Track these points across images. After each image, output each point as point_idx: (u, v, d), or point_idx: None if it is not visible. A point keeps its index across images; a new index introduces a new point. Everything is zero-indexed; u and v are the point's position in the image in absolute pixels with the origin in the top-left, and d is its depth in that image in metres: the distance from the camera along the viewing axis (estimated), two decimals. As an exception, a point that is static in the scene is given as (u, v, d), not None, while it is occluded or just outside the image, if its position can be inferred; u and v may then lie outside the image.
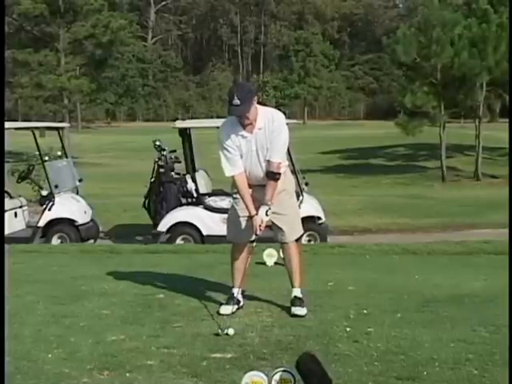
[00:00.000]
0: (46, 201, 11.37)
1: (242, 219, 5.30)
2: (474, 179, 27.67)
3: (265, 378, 3.58)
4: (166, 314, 5.24)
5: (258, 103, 5.20)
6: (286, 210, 5.32)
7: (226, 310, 5.21)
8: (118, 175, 28.16)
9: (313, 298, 5.43)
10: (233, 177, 5.20)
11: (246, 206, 5.16)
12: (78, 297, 5.83)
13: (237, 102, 4.96)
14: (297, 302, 5.22)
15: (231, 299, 5.28)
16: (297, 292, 5.30)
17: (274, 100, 72.96)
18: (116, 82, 68.15)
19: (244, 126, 5.10)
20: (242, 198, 5.20)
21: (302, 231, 5.52)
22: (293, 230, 5.38)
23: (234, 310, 5.22)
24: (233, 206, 5.42)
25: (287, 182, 5.37)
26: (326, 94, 75.32)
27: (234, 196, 5.36)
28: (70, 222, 11.49)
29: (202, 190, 11.41)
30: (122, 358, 4.21)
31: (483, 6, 26.18)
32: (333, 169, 31.71)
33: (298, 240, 5.57)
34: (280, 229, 5.30)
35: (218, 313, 5.18)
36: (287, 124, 5.30)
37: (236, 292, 5.32)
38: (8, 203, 11.37)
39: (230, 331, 4.64)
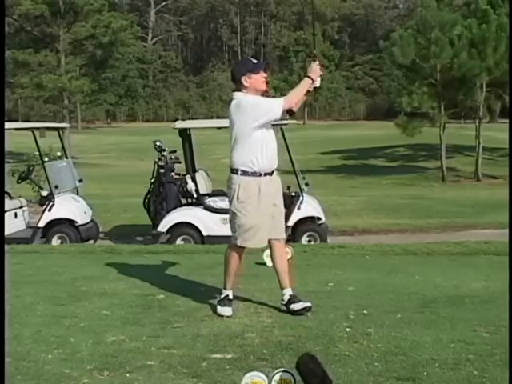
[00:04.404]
0: (46, 201, 11.36)
1: (265, 211, 5.16)
2: (474, 180, 27.68)
3: (265, 378, 3.58)
4: (166, 314, 5.24)
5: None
6: (282, 206, 5.46)
7: (228, 311, 5.19)
8: (118, 176, 28.16)
9: (313, 299, 5.43)
10: (285, 101, 5.08)
11: (303, 87, 5.16)
12: (78, 297, 5.83)
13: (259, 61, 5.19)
14: (294, 298, 5.23)
15: (228, 301, 5.27)
16: (290, 291, 5.30)
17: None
18: (116, 83, 68.36)
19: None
20: (299, 91, 5.16)
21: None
22: (283, 226, 5.47)
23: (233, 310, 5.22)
24: (245, 210, 5.12)
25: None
26: (326, 94, 75.32)
27: (243, 200, 5.14)
28: (70, 222, 11.48)
29: (202, 191, 11.40)
30: (122, 359, 4.21)
31: (483, 6, 26.21)
32: (333, 169, 31.71)
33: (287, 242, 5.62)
34: (277, 221, 5.31)
35: (219, 314, 5.17)
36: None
37: (231, 294, 5.32)
38: (8, 204, 11.37)
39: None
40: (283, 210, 5.52)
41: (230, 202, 5.25)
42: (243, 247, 5.24)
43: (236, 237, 5.19)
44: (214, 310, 5.26)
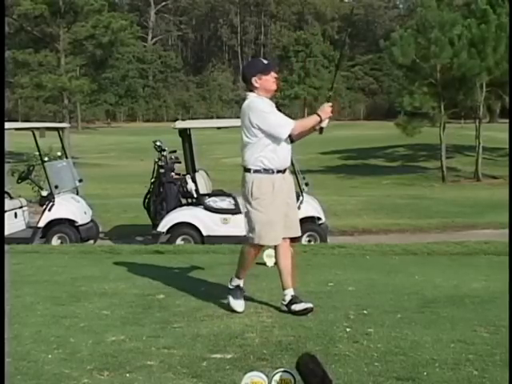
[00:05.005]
0: (46, 201, 11.36)
1: (279, 208, 5.17)
2: (474, 180, 27.69)
3: (265, 378, 3.57)
4: (166, 314, 5.24)
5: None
6: (295, 204, 5.53)
7: (240, 306, 5.24)
8: (118, 176, 28.17)
9: (313, 299, 5.43)
10: (291, 129, 5.16)
11: (311, 122, 5.30)
12: (78, 297, 5.83)
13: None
14: (295, 299, 5.24)
15: (240, 292, 5.31)
16: (292, 291, 5.31)
17: (273, 100, 72.90)
18: (116, 83, 68.37)
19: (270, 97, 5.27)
20: (305, 123, 5.32)
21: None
22: (297, 224, 5.45)
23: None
24: (260, 206, 5.14)
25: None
26: (326, 94, 75.11)
27: (257, 197, 5.15)
28: (70, 222, 11.48)
29: (202, 191, 11.40)
30: (122, 359, 4.21)
31: (482, 6, 26.22)
32: (333, 169, 31.73)
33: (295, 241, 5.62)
34: (290, 218, 5.31)
35: (235, 311, 5.20)
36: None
37: (242, 283, 5.36)
38: (8, 204, 11.37)
39: None
40: (296, 209, 5.57)
41: (245, 200, 5.26)
42: (261, 245, 5.29)
43: (253, 236, 5.21)
44: (214, 310, 5.26)
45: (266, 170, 5.14)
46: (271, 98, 5.34)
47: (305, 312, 5.14)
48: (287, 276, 5.33)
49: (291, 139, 5.29)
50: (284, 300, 5.29)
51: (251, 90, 5.24)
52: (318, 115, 5.22)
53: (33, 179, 12.91)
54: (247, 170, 5.19)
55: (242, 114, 5.22)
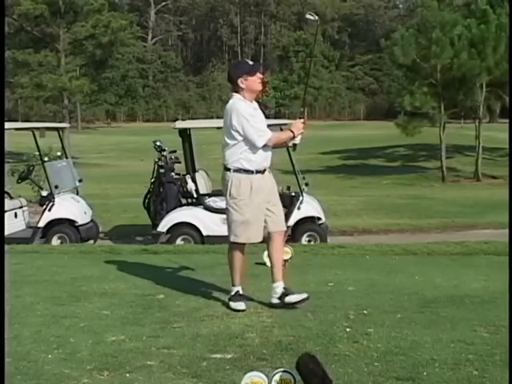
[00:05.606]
0: (46, 201, 11.37)
1: (258, 207, 5.26)
2: (474, 180, 27.68)
3: (265, 378, 3.58)
4: (166, 314, 5.24)
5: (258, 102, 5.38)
6: (278, 201, 5.52)
7: (241, 305, 5.27)
8: (118, 176, 28.16)
9: (313, 299, 5.43)
10: (269, 138, 5.25)
11: (284, 136, 5.41)
12: (78, 297, 5.83)
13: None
14: (287, 291, 5.28)
15: (240, 296, 5.36)
16: (283, 284, 5.34)
17: (273, 100, 73.01)
18: (116, 83, 68.40)
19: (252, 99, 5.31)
20: (280, 136, 5.42)
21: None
22: (283, 219, 5.56)
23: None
24: (237, 205, 5.31)
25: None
26: (326, 94, 75.31)
27: (235, 197, 5.30)
28: (70, 222, 11.48)
29: (202, 191, 11.40)
30: (122, 359, 4.21)
31: (482, 6, 26.21)
32: (333, 169, 31.72)
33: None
34: (275, 214, 5.38)
35: (237, 310, 5.23)
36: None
37: (240, 289, 5.41)
38: (8, 204, 11.37)
39: None
40: (280, 205, 5.56)
41: (225, 198, 5.42)
42: (242, 244, 5.37)
43: (230, 234, 5.40)
44: (214, 310, 5.27)
45: (246, 171, 5.25)
46: (258, 101, 5.41)
47: (301, 302, 5.19)
48: (278, 269, 5.40)
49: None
50: (275, 293, 5.31)
51: (237, 91, 5.30)
52: (292, 131, 5.32)
53: (33, 179, 12.91)
54: (227, 169, 5.31)
55: (224, 114, 5.32)
